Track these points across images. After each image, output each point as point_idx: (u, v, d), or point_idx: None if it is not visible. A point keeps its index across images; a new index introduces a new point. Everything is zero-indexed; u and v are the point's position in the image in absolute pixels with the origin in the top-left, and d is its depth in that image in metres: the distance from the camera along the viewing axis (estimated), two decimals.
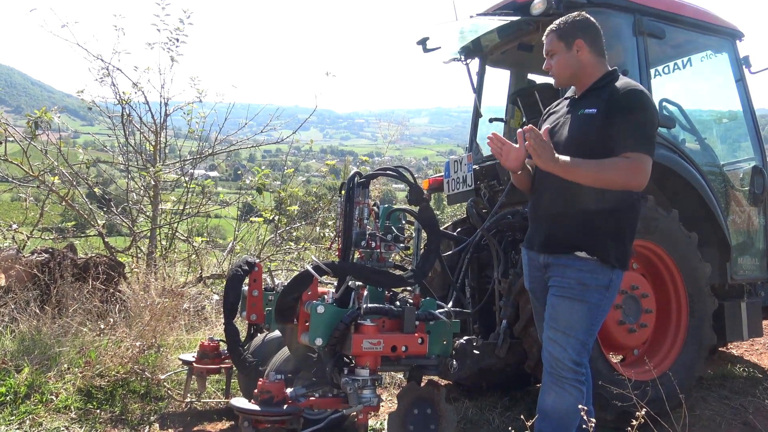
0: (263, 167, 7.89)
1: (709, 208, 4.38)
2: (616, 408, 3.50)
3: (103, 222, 6.92)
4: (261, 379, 2.83)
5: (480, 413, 4.14)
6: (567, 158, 2.64)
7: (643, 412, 2.44)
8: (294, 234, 8.12)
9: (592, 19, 2.91)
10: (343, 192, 3.19)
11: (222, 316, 3.96)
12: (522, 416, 2.66)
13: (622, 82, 2.81)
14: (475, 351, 3.55)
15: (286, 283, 3.16)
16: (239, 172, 9.12)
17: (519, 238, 3.98)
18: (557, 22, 2.92)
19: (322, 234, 8.10)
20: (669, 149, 4.27)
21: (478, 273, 4.50)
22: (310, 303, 2.88)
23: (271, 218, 7.57)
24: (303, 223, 8.13)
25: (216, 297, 6.41)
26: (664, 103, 4.84)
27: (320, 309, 2.79)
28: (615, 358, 4.24)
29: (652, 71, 4.74)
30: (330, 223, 7.99)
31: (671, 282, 4.15)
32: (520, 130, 2.75)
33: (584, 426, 2.42)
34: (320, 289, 3.22)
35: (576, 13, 2.94)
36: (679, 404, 3.41)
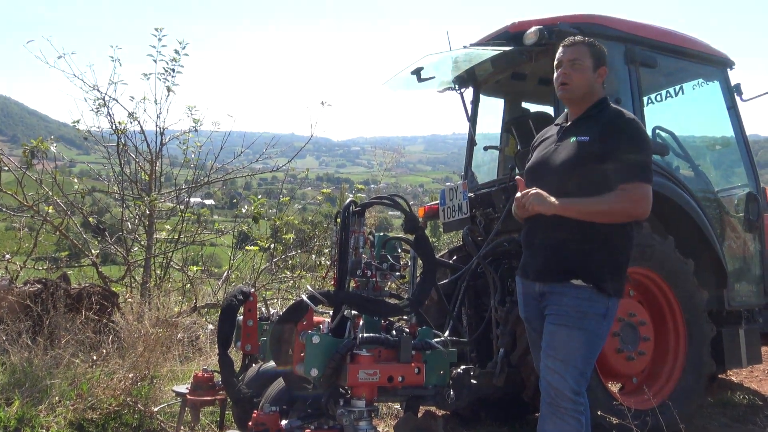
0: (259, 195, 7.87)
1: (705, 234, 4.38)
2: None
3: (97, 251, 6.88)
4: (255, 410, 2.78)
5: None
6: (566, 200, 2.69)
7: None
8: (290, 262, 8.07)
9: None
10: (338, 221, 3.18)
11: (216, 346, 3.91)
12: None
13: (615, 111, 2.84)
14: (472, 380, 3.51)
15: (281, 313, 3.13)
16: (235, 200, 9.12)
17: (515, 265, 3.96)
18: (586, 39, 2.92)
19: (318, 262, 8.06)
20: (663, 176, 4.29)
21: (474, 301, 4.48)
22: (305, 333, 2.85)
23: (266, 246, 7.54)
24: (299, 251, 8.10)
25: (210, 327, 6.34)
26: (657, 131, 4.88)
27: (315, 339, 2.75)
28: (614, 387, 4.20)
29: (645, 99, 4.79)
30: (326, 251, 7.96)
31: (668, 309, 4.14)
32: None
33: None
34: (315, 318, 3.18)
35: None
36: None
